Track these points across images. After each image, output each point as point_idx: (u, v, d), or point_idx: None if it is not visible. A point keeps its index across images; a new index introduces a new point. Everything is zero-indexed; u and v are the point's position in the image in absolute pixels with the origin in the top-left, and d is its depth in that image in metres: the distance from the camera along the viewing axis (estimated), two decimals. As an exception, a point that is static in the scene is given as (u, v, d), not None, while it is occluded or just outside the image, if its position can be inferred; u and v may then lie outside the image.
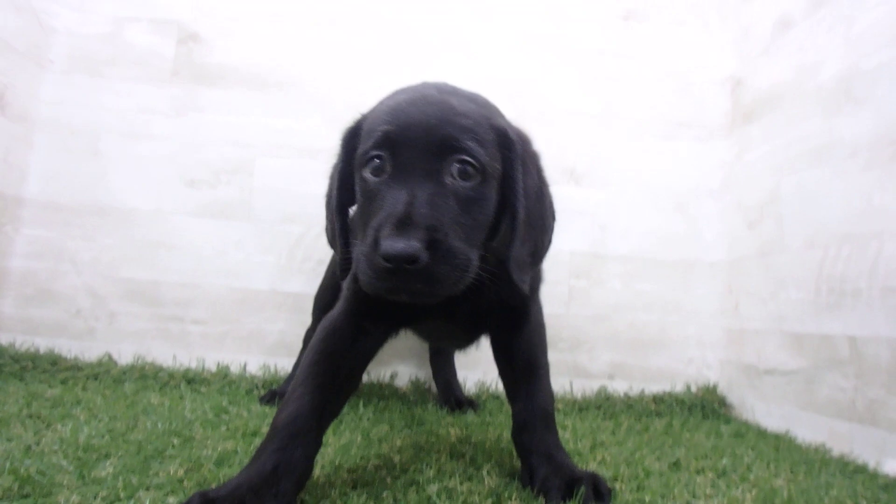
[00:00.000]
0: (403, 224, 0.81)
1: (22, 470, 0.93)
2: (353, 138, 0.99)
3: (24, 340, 1.99)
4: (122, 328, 2.05)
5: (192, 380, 1.88)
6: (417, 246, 0.79)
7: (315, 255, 2.10)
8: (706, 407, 1.97)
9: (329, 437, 1.31)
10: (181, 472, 1.00)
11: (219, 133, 2.14)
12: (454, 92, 0.98)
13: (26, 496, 0.87)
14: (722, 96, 2.22)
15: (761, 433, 1.73)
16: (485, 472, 1.11)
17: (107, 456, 1.06)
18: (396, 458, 1.17)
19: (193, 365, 2.01)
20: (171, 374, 1.90)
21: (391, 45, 2.20)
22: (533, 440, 1.08)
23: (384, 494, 0.96)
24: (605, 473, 1.19)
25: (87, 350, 2.02)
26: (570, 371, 2.10)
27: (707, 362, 2.13)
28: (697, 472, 1.25)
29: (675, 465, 1.30)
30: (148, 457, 1.08)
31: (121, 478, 0.95)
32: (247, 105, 2.15)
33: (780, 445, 1.57)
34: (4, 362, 1.81)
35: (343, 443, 1.28)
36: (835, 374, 1.57)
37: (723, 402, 2.02)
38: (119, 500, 0.88)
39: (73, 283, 2.06)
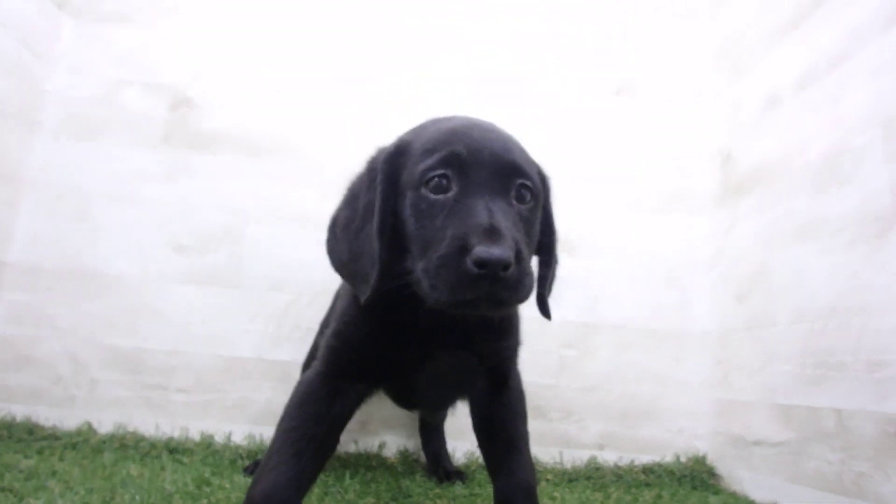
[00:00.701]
0: (493, 233, 0.84)
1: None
2: (395, 160, 0.98)
3: (0, 408, 1.93)
4: (103, 396, 2.01)
5: (174, 449, 1.83)
6: (511, 253, 0.82)
7: (304, 324, 2.09)
8: (695, 478, 1.95)
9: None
10: (162, 551, 0.96)
11: (209, 198, 2.16)
12: (499, 127, 1.04)
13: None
14: (713, 170, 2.30)
15: (751, 505, 1.71)
16: (475, 548, 1.08)
17: (85, 532, 1.03)
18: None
19: (176, 434, 1.96)
20: (153, 444, 1.84)
21: (385, 117, 2.28)
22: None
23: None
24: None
25: (65, 418, 1.96)
26: (559, 441, 2.08)
27: (696, 433, 2.13)
28: (689, 547, 1.24)
29: (667, 540, 1.28)
30: (128, 532, 1.04)
31: (101, 555, 0.92)
32: (238, 171, 2.18)
33: (771, 518, 1.56)
34: (-21, 431, 1.75)
35: (330, 516, 1.25)
36: (822, 447, 1.57)
37: (712, 473, 2.00)
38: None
39: (54, 349, 2.02)
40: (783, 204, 1.85)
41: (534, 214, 0.99)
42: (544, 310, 1.11)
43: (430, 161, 0.92)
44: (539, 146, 2.24)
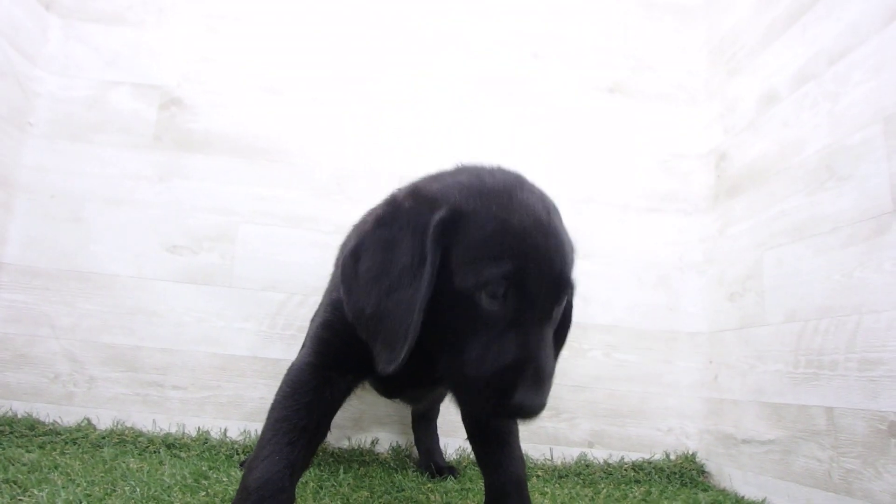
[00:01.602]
0: (538, 377, 0.83)
1: (0, 534, 0.93)
2: (449, 231, 0.87)
3: (1, 405, 1.96)
4: (101, 393, 2.04)
5: (171, 445, 1.86)
6: (547, 397, 0.84)
7: (296, 323, 2.12)
8: (685, 475, 1.99)
9: (309, 502, 1.31)
10: (161, 537, 1.00)
11: (201, 199, 2.18)
12: (551, 206, 0.97)
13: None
14: (706, 170, 2.31)
15: (738, 501, 1.74)
16: (463, 538, 1.12)
17: (85, 520, 1.06)
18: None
19: (173, 430, 1.99)
20: (151, 440, 1.87)
21: (380, 123, 2.30)
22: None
23: (363, 559, 0.97)
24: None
25: (65, 414, 1.99)
26: (549, 439, 2.11)
27: (686, 432, 2.16)
28: (674, 540, 1.27)
29: (653, 533, 1.31)
30: (127, 522, 1.08)
31: (100, 542, 0.95)
32: (231, 172, 2.20)
33: (757, 514, 1.59)
34: (-19, 427, 1.79)
35: (323, 508, 1.28)
36: (811, 445, 1.60)
37: (701, 471, 2.04)
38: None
39: (52, 347, 2.05)
40: (778, 204, 1.85)
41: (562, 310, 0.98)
42: None
43: (495, 271, 0.84)
44: (532, 145, 2.32)
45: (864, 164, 1.54)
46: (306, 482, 1.52)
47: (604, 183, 2.32)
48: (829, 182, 1.65)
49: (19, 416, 1.92)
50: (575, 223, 2.23)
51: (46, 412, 1.98)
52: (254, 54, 2.30)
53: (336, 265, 1.42)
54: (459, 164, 1.05)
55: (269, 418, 1.03)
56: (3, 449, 1.65)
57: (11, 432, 1.80)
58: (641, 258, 2.27)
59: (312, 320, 1.57)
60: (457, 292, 0.86)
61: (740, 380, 1.95)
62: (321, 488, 1.49)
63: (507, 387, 0.82)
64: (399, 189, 1.03)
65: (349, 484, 1.57)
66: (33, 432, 1.82)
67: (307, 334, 1.18)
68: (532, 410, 0.82)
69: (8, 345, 2.04)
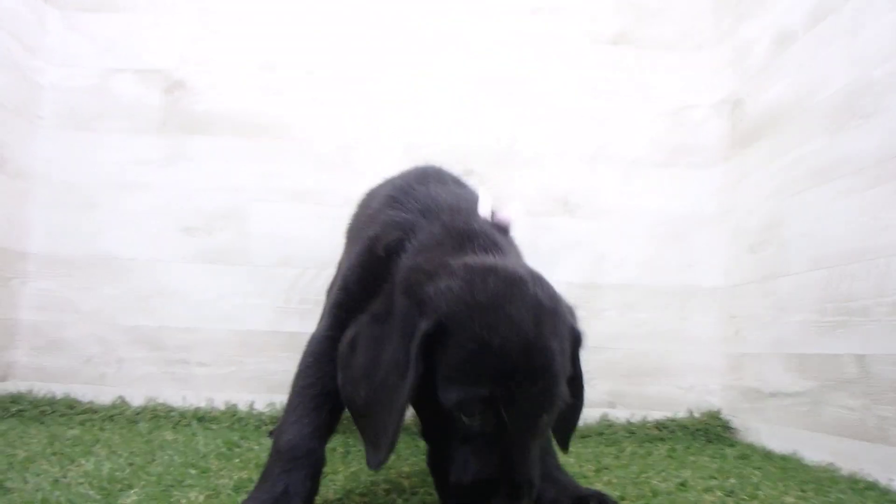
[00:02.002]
0: (515, 495, 0.84)
1: (52, 500, 0.98)
2: (432, 346, 0.86)
3: (41, 387, 2.04)
4: (131, 373, 2.10)
5: (202, 418, 1.92)
6: None
7: (311, 297, 2.14)
8: (710, 431, 1.98)
9: (339, 466, 1.35)
10: (202, 499, 1.04)
11: (211, 180, 2.20)
12: (544, 316, 0.89)
13: (57, 524, 0.91)
14: (720, 119, 2.25)
15: (767, 455, 1.74)
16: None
17: (130, 486, 1.10)
18: (405, 483, 1.21)
19: (203, 405, 2.05)
20: (182, 414, 1.93)
21: (379, 97, 2.28)
22: None
23: (397, 514, 1.00)
24: (612, 494, 1.21)
25: (100, 394, 2.06)
26: (569, 401, 2.12)
27: (709, 388, 2.15)
28: (705, 491, 1.27)
29: (683, 486, 1.32)
30: (168, 486, 1.12)
31: (145, 504, 0.99)
32: (236, 151, 2.21)
33: (788, 466, 1.58)
34: (24, 407, 1.87)
35: (353, 470, 1.32)
36: (842, 394, 1.57)
37: (727, 427, 2.03)
38: (144, 524, 0.92)
39: (81, 331, 2.12)
40: (797, 148, 1.79)
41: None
42: (563, 443, 1.13)
43: (472, 394, 0.83)
44: (538, 99, 2.29)
45: (888, 99, 1.46)
46: (334, 448, 1.56)
47: (613, 138, 2.27)
48: (851, 121, 1.58)
49: (58, 397, 1.99)
50: (583, 182, 2.26)
51: (83, 392, 2.05)
52: (248, 32, 2.28)
53: (346, 236, 1.44)
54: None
55: (294, 386, 1.06)
56: (47, 426, 1.73)
57: (53, 412, 1.88)
58: (655, 214, 2.23)
59: (328, 291, 1.59)
60: (441, 412, 0.86)
61: (763, 333, 1.92)
62: (348, 453, 1.54)
63: (483, 501, 0.85)
64: (401, 267, 1.01)
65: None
66: (73, 411, 1.89)
67: (324, 306, 1.20)
68: None
69: (40, 331, 2.11)
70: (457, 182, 1.28)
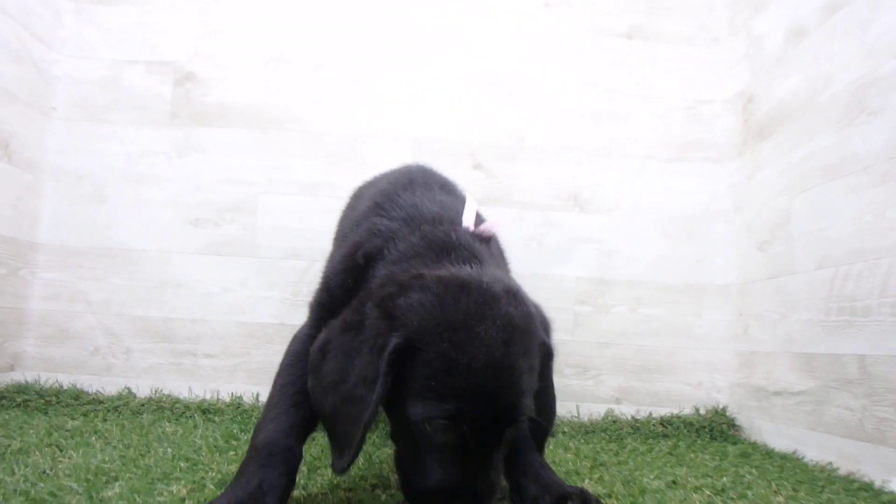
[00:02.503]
0: (478, 500, 0.88)
1: (33, 493, 1.00)
2: (400, 361, 0.87)
3: (48, 377, 2.08)
4: (138, 364, 2.14)
5: (206, 410, 1.94)
6: None
7: (318, 290, 2.15)
8: (714, 429, 1.96)
9: (325, 460, 1.35)
10: (184, 492, 1.05)
11: (220, 172, 2.21)
12: (514, 334, 0.89)
13: (37, 516, 0.92)
14: (732, 114, 2.21)
15: (768, 453, 1.71)
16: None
17: (115, 479, 1.12)
18: (392, 478, 1.21)
19: (208, 396, 2.07)
20: (187, 406, 1.96)
21: (385, 87, 2.27)
22: (519, 461, 1.10)
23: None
24: (601, 491, 1.20)
25: (107, 385, 2.10)
26: (576, 396, 2.10)
27: (716, 385, 2.12)
28: (694, 490, 1.25)
29: (673, 484, 1.31)
30: (154, 479, 1.13)
31: (126, 498, 1.00)
32: (246, 143, 2.22)
33: (786, 465, 1.56)
34: (29, 398, 1.90)
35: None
36: (843, 394, 1.54)
37: (732, 424, 2.00)
38: (123, 517, 0.93)
39: (89, 322, 2.15)
40: (807, 144, 1.75)
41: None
42: (539, 448, 1.14)
43: (438, 410, 0.86)
44: (549, 94, 2.26)
45: (895, 96, 1.43)
46: (320, 443, 1.54)
47: (624, 134, 2.24)
48: (859, 117, 1.54)
49: (65, 388, 2.03)
50: (594, 178, 2.23)
51: (90, 383, 2.09)
52: (258, 25, 2.28)
53: (334, 233, 1.44)
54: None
55: (274, 384, 1.08)
56: (49, 417, 1.76)
57: (58, 402, 1.91)
58: (666, 210, 2.21)
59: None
60: (410, 426, 0.89)
61: (771, 331, 1.89)
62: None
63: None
64: (377, 276, 1.03)
65: (374, 442, 1.61)
66: (78, 401, 1.93)
67: (309, 304, 1.21)
68: None
69: (49, 321, 2.15)
70: (443, 187, 1.27)
